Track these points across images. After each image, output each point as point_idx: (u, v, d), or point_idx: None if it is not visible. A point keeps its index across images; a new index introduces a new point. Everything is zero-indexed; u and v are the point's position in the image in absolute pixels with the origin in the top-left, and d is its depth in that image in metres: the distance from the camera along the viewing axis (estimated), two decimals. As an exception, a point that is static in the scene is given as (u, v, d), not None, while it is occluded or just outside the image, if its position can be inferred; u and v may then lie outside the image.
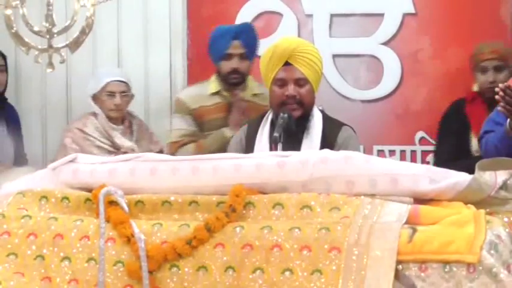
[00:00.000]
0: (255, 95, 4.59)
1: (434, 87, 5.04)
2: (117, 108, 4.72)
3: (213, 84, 4.61)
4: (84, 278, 2.57)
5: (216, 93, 4.60)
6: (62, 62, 4.37)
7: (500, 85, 3.61)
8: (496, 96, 3.60)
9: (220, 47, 4.53)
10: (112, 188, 2.65)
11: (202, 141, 4.51)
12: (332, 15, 5.15)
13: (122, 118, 4.82)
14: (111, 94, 4.71)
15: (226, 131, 4.46)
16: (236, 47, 4.52)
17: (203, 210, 2.61)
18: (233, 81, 4.55)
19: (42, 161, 5.07)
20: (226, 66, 4.54)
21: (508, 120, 3.65)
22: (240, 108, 4.49)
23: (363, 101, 5.13)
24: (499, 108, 3.64)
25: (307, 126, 3.68)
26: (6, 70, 4.88)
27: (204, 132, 4.58)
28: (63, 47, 4.32)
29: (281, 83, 3.67)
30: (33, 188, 2.83)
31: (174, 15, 5.27)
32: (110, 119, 4.73)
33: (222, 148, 4.16)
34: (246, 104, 4.50)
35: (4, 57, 4.87)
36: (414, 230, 2.39)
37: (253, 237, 2.47)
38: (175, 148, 4.56)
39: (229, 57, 4.52)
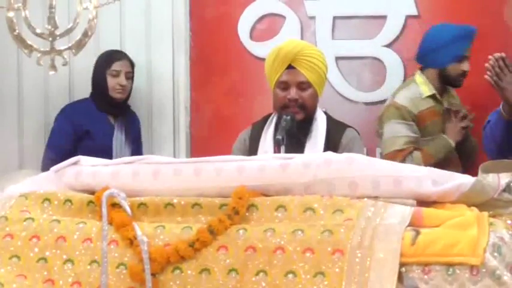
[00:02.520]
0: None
1: (437, 89, 5.03)
2: None
3: (424, 87, 4.56)
4: (86, 281, 2.56)
5: (430, 96, 4.57)
6: (65, 64, 4.36)
7: (496, 54, 3.58)
8: (486, 64, 3.58)
9: (458, 48, 4.49)
10: (115, 191, 2.65)
11: (426, 148, 4.42)
12: (335, 18, 5.15)
13: None
14: None
15: (450, 139, 4.45)
16: (469, 50, 4.51)
17: (206, 213, 2.61)
18: (459, 84, 4.51)
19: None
20: (458, 68, 4.52)
21: (502, 103, 3.66)
22: (459, 115, 4.48)
23: (366, 103, 5.13)
24: (486, 76, 3.61)
25: (310, 130, 3.69)
26: (132, 78, 4.93)
27: (422, 138, 4.50)
28: (66, 49, 4.32)
29: (284, 86, 3.67)
30: (35, 191, 2.83)
31: (176, 17, 5.28)
32: None
33: (447, 157, 4.27)
34: (463, 110, 4.51)
35: (132, 65, 4.94)
36: (417, 232, 2.39)
37: (256, 240, 2.46)
38: (402, 156, 4.39)
39: (463, 59, 4.48)
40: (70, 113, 4.90)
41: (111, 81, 4.82)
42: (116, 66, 4.87)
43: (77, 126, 4.81)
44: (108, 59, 4.87)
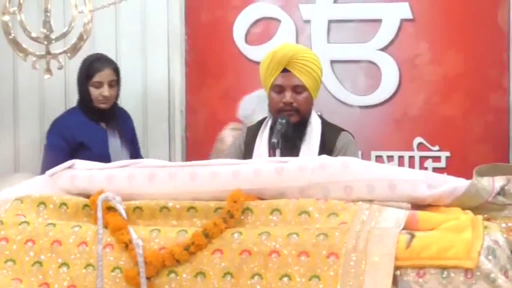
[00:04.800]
0: None
1: (432, 92, 5.04)
2: None
3: None
4: (82, 284, 2.57)
5: None
6: (60, 68, 4.37)
7: None
8: None
9: None
10: (110, 194, 2.65)
11: None
12: (330, 21, 5.15)
13: None
14: None
15: None
16: None
17: (201, 216, 2.61)
18: None
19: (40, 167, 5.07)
20: None
21: None
22: None
23: (361, 107, 5.13)
24: None
25: (305, 133, 3.68)
26: (117, 84, 4.75)
27: None
28: (61, 53, 4.33)
29: (279, 89, 3.67)
30: (31, 194, 2.83)
31: (172, 21, 5.28)
32: None
33: None
34: None
35: (116, 71, 4.77)
36: (412, 236, 2.39)
37: (251, 243, 2.47)
38: None
39: None
40: (61, 128, 4.76)
41: (93, 92, 4.66)
42: (98, 77, 4.66)
43: (69, 139, 4.68)
44: (90, 69, 4.68)
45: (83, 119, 4.73)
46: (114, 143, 4.73)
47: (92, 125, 4.72)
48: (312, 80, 3.66)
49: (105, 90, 4.64)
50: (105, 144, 4.70)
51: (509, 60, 4.96)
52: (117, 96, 4.80)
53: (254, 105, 4.42)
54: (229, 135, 4.48)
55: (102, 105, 4.67)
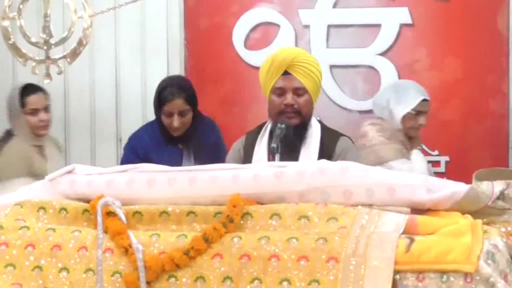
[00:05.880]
0: None
1: (432, 97, 5.02)
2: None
3: None
4: (82, 289, 2.57)
5: None
6: (60, 73, 4.38)
7: None
8: None
9: None
10: (110, 199, 2.65)
11: None
12: (329, 26, 5.16)
13: None
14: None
15: None
16: None
17: (201, 221, 2.61)
18: None
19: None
20: None
21: None
22: None
23: (360, 112, 5.14)
24: None
25: (305, 136, 3.68)
26: (193, 110, 4.47)
27: None
28: (61, 58, 4.34)
29: (280, 92, 3.67)
30: (31, 199, 2.83)
31: (171, 27, 5.29)
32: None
33: None
34: None
35: (189, 98, 4.45)
36: (412, 240, 2.39)
37: (250, 248, 2.47)
38: None
39: None
40: (134, 144, 4.57)
41: (165, 120, 4.43)
42: (168, 106, 4.39)
43: (142, 156, 4.44)
44: (160, 98, 4.42)
45: (159, 137, 4.55)
46: (188, 164, 4.50)
47: (167, 143, 4.53)
48: (313, 82, 3.67)
49: (175, 121, 4.41)
50: (177, 164, 4.51)
51: (508, 65, 4.97)
52: (195, 116, 4.53)
53: (389, 95, 4.42)
54: (371, 129, 4.41)
55: (175, 133, 4.47)
